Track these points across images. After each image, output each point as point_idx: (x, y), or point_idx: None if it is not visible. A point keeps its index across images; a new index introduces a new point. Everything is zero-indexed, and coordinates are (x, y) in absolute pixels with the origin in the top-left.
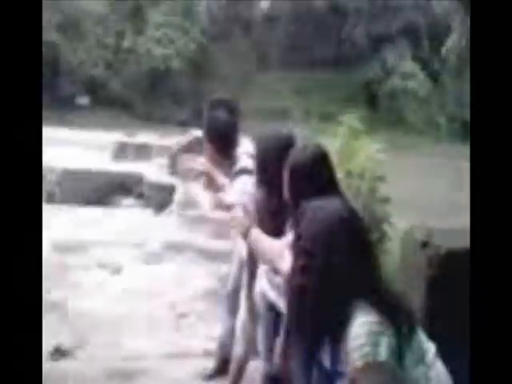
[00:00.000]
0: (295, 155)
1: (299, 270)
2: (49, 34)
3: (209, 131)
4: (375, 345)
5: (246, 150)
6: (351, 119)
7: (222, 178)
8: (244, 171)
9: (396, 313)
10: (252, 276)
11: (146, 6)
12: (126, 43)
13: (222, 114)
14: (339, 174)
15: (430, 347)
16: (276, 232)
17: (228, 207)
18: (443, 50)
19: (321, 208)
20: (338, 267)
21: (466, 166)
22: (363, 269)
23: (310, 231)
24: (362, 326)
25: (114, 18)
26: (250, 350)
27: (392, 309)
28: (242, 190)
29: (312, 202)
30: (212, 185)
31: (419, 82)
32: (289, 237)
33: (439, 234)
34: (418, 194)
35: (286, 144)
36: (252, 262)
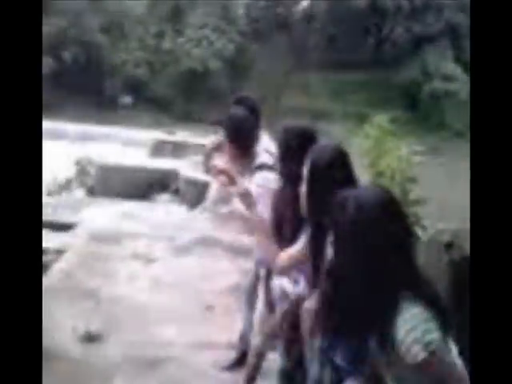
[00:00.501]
0: (314, 153)
1: (343, 258)
2: (93, 36)
3: (228, 129)
4: (431, 332)
5: (265, 146)
6: (382, 120)
7: (240, 179)
8: (263, 166)
9: (438, 304)
10: (270, 270)
11: (185, 7)
12: (165, 44)
13: (240, 112)
14: (370, 175)
15: (453, 346)
16: (291, 231)
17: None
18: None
19: (367, 195)
20: (386, 254)
21: None
22: (408, 257)
23: (358, 218)
24: (415, 317)
25: (154, 19)
26: (267, 343)
27: (434, 300)
28: (262, 184)
29: (351, 190)
30: (230, 184)
31: (461, 85)
32: (296, 246)
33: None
34: (454, 196)
35: (308, 138)
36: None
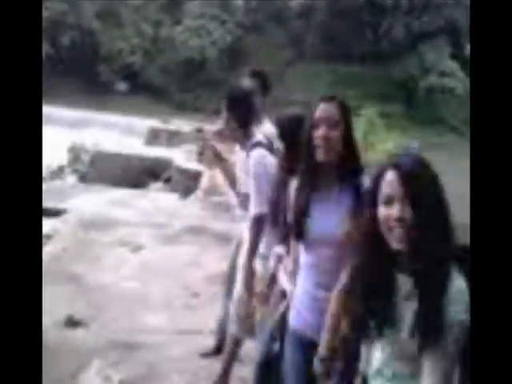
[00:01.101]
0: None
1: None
2: (89, 23)
3: (230, 98)
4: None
5: (265, 130)
6: (370, 113)
7: (227, 154)
8: (259, 144)
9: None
10: (253, 251)
11: None
12: (163, 32)
13: (247, 84)
14: None
15: None
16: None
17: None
18: (466, 49)
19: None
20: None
21: None
22: (451, 228)
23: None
24: (461, 291)
25: (152, 7)
26: (245, 329)
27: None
28: (259, 161)
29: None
30: (216, 159)
31: (457, 81)
32: None
33: (461, 230)
34: (447, 190)
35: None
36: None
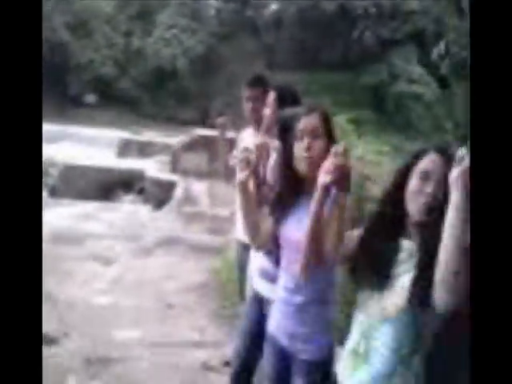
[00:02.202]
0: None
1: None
2: (58, 33)
3: (283, 90)
4: None
5: None
6: (341, 120)
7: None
8: None
9: None
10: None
11: (155, 6)
12: (134, 43)
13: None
14: None
15: None
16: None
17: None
18: (433, 55)
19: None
20: None
21: None
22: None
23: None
24: None
25: (123, 17)
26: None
27: None
28: None
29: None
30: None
31: (426, 87)
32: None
33: None
34: None
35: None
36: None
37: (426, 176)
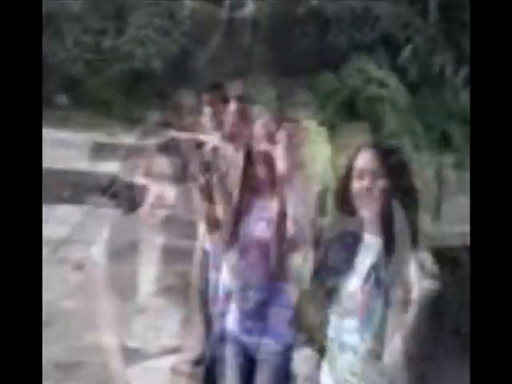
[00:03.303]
0: None
1: None
2: None
3: None
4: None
5: None
6: (310, 124)
7: None
8: None
9: None
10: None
11: (128, 6)
12: (106, 43)
13: None
14: (302, 177)
15: None
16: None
17: None
18: (399, 60)
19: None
20: None
21: (446, 174)
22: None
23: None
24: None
25: (95, 17)
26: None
27: None
28: None
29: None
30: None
31: (396, 91)
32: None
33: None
34: None
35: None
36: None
37: (361, 174)
